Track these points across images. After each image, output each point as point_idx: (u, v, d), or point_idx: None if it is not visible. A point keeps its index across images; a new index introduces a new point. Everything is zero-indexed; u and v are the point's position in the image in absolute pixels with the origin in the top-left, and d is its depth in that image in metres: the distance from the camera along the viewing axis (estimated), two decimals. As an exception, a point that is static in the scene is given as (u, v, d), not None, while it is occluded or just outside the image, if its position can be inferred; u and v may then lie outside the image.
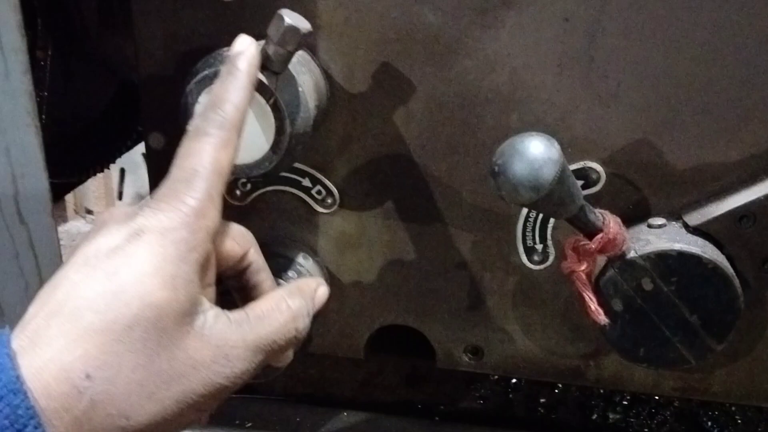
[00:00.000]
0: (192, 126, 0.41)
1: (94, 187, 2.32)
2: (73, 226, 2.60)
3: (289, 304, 0.42)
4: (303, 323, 0.42)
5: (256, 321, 0.40)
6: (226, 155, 0.41)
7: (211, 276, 0.40)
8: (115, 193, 2.40)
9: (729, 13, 0.51)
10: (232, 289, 0.45)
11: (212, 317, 0.37)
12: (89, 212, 2.57)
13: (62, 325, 0.34)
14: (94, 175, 0.80)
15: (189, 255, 0.36)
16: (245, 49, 0.45)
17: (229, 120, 0.41)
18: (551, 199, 0.47)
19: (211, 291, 0.41)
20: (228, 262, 0.43)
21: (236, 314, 0.39)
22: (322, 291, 0.47)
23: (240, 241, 0.44)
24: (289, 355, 0.45)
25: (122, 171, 2.39)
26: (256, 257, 0.45)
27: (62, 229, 2.57)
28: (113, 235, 0.37)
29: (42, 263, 0.49)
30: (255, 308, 0.41)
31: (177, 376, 0.35)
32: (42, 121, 0.68)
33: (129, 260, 0.35)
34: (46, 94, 0.68)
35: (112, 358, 0.34)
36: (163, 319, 0.35)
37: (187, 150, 0.40)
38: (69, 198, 2.51)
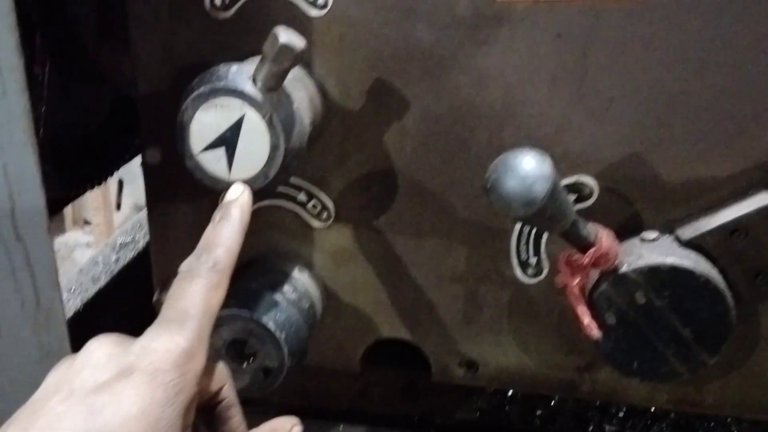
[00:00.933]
0: (185, 267, 0.43)
1: (92, 198, 2.33)
2: (71, 236, 2.61)
3: None
4: None
5: None
6: (217, 297, 0.42)
7: (191, 417, 0.40)
8: (113, 204, 2.40)
9: (719, 29, 0.52)
10: (201, 424, 0.45)
11: None
12: (87, 223, 2.57)
13: None
14: (91, 189, 0.81)
15: (176, 398, 0.36)
16: (239, 196, 0.48)
17: (220, 263, 0.43)
18: (543, 214, 0.48)
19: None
20: (202, 397, 0.43)
21: None
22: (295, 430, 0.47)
23: (217, 377, 0.44)
24: None
25: (120, 182, 2.40)
26: (229, 393, 0.45)
27: (60, 239, 2.58)
28: (101, 370, 0.37)
29: (38, 280, 0.49)
30: None
31: None
32: (40, 136, 0.69)
33: (116, 399, 0.35)
34: (44, 108, 0.68)
35: None
36: None
37: (180, 291, 0.41)
38: (67, 209, 2.51)
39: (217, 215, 0.47)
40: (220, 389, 0.44)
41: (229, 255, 0.44)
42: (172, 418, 0.36)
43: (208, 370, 0.43)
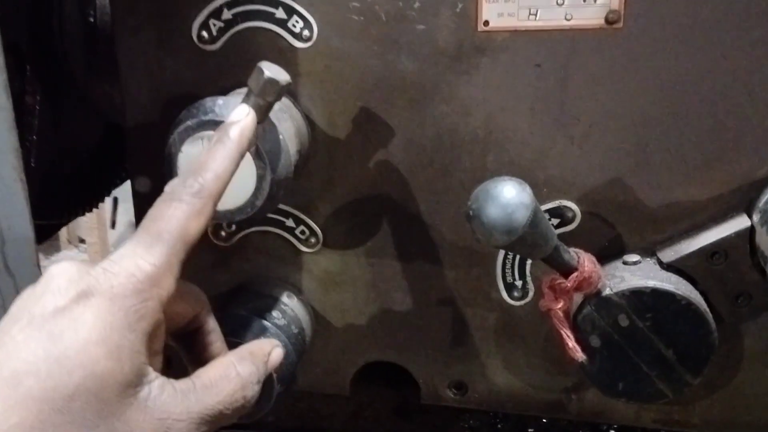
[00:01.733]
0: (168, 188, 0.40)
1: (86, 217, 2.33)
2: (66, 255, 2.61)
3: (238, 371, 0.41)
4: (252, 391, 0.41)
5: (203, 390, 0.38)
6: (197, 224, 0.39)
7: (159, 344, 0.39)
8: (108, 222, 2.41)
9: (696, 55, 0.53)
10: (181, 350, 0.44)
11: (157, 388, 0.36)
12: (82, 241, 2.57)
13: (1, 390, 0.32)
14: (84, 214, 0.81)
15: (137, 324, 0.35)
16: (241, 119, 0.44)
17: (207, 188, 0.40)
18: (525, 241, 0.49)
19: (159, 359, 0.39)
20: (178, 323, 0.42)
21: (182, 383, 0.38)
22: (276, 353, 0.45)
23: (191, 302, 0.43)
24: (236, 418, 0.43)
25: (115, 200, 2.40)
26: (207, 319, 0.44)
27: (55, 258, 2.58)
28: (61, 294, 0.35)
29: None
30: (202, 376, 0.39)
31: None
32: (32, 164, 0.70)
33: (75, 324, 0.34)
34: (35, 137, 0.69)
35: (50, 428, 0.32)
36: (106, 390, 0.34)
37: (157, 213, 0.39)
38: (62, 230, 2.51)
39: (215, 136, 0.44)
40: (197, 315, 0.43)
41: (217, 181, 0.41)
42: (134, 344, 0.35)
43: (182, 296, 0.41)
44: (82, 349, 0.33)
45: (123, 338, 0.34)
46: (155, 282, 0.36)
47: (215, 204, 0.41)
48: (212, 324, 0.44)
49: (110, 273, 0.36)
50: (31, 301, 0.36)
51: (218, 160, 0.42)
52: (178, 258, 0.38)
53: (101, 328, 0.34)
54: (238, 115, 0.45)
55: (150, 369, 0.36)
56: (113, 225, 2.43)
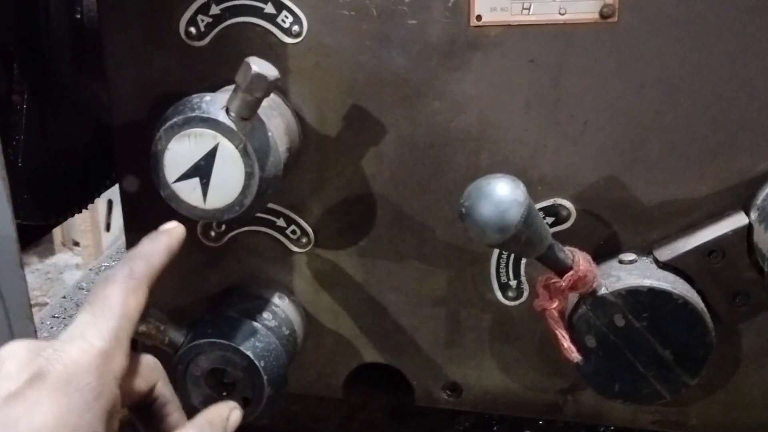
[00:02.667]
0: (103, 276, 0.42)
1: (80, 219, 2.32)
2: (60, 258, 2.59)
3: None
4: None
5: None
6: (135, 301, 0.40)
7: (115, 422, 0.38)
8: (103, 225, 2.39)
9: (692, 51, 0.52)
10: (138, 422, 0.44)
11: None
12: (76, 244, 2.56)
13: None
14: (72, 216, 0.80)
15: (94, 403, 0.35)
16: (172, 228, 0.47)
17: (137, 271, 0.42)
18: (519, 239, 0.48)
19: None
20: (133, 398, 0.42)
21: None
22: (235, 416, 0.45)
23: (147, 376, 0.43)
24: None
25: (110, 202, 2.39)
26: (163, 390, 0.44)
27: (49, 261, 2.57)
28: (12, 379, 0.34)
29: (11, 312, 0.49)
30: None
31: None
32: (19, 164, 0.69)
33: (29, 410, 0.33)
34: (22, 137, 0.68)
35: None
36: None
37: (96, 295, 0.40)
38: (56, 230, 2.50)
39: (146, 237, 0.47)
40: (153, 388, 0.43)
41: (147, 266, 0.43)
42: (92, 425, 0.34)
43: (136, 370, 0.42)
44: None
45: (80, 419, 0.34)
46: (108, 357, 0.37)
47: (149, 285, 0.43)
48: (169, 395, 0.44)
49: (62, 352, 0.35)
50: None
51: (147, 251, 0.44)
52: (126, 333, 0.39)
53: (57, 411, 0.33)
54: (169, 225, 0.48)
55: None
56: (108, 227, 2.42)
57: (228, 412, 0.45)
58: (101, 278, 0.42)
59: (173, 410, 0.44)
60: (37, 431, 0.33)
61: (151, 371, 0.43)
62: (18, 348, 0.36)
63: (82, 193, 0.80)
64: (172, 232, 0.47)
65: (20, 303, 0.48)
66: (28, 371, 0.35)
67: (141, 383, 0.42)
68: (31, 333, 0.50)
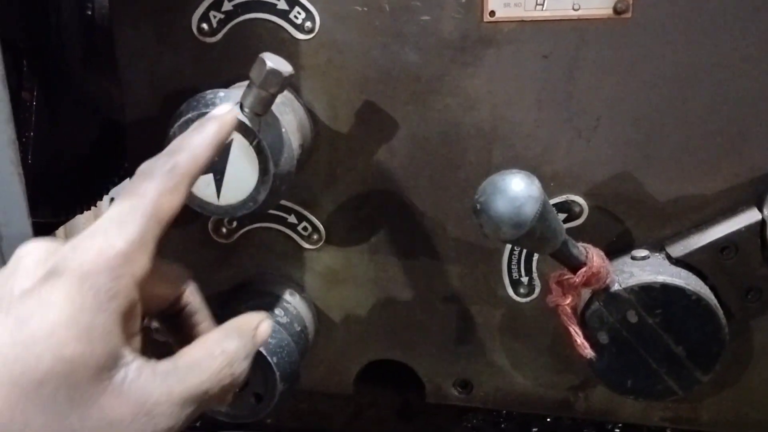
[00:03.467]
0: (142, 168, 0.39)
1: (84, 218, 2.32)
2: (64, 257, 2.59)
3: (223, 348, 0.38)
4: (240, 367, 0.39)
5: (186, 371, 0.36)
6: (170, 202, 0.37)
7: (136, 325, 0.37)
8: (106, 224, 2.39)
9: (705, 47, 0.52)
10: (167, 332, 0.42)
11: (134, 370, 0.34)
12: (80, 243, 2.56)
13: None
14: (81, 213, 0.80)
15: (109, 304, 0.33)
16: (223, 114, 0.43)
17: (180, 167, 0.38)
18: (533, 235, 0.48)
19: (137, 340, 0.37)
20: (160, 306, 0.41)
21: (163, 364, 0.36)
22: (264, 327, 0.42)
23: (173, 282, 0.41)
24: (228, 398, 0.41)
25: (112, 201, 2.39)
26: (191, 299, 0.42)
27: (52, 260, 2.56)
28: (28, 276, 0.33)
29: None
30: (184, 356, 0.37)
31: None
32: (29, 161, 0.69)
33: (42, 306, 0.32)
34: (32, 134, 0.68)
35: (19, 416, 0.31)
36: (77, 375, 0.32)
37: (130, 190, 0.37)
38: (59, 231, 2.50)
39: (195, 124, 0.42)
40: (180, 296, 0.41)
41: (192, 161, 0.39)
42: (106, 325, 0.33)
43: (162, 276, 0.40)
44: (50, 332, 0.32)
45: (94, 319, 0.32)
46: (128, 260, 0.34)
47: (190, 184, 0.39)
48: (197, 303, 0.42)
49: (80, 250, 0.34)
50: (0, 285, 0.34)
51: (193, 143, 0.40)
52: (153, 235, 0.36)
53: (70, 309, 0.32)
54: (220, 110, 0.44)
55: (126, 351, 0.34)
56: (111, 226, 2.42)
57: (257, 321, 0.42)
58: (139, 170, 0.38)
59: (202, 319, 0.42)
60: (48, 328, 0.32)
61: (178, 278, 0.41)
62: (37, 245, 0.35)
63: (91, 190, 0.80)
64: (222, 120, 0.42)
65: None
66: (43, 268, 0.33)
67: (167, 290, 0.41)
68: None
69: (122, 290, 0.34)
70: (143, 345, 0.39)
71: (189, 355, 0.37)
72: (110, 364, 0.33)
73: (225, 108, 0.45)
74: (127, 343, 0.35)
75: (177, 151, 0.39)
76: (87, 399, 0.32)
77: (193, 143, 0.40)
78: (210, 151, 0.41)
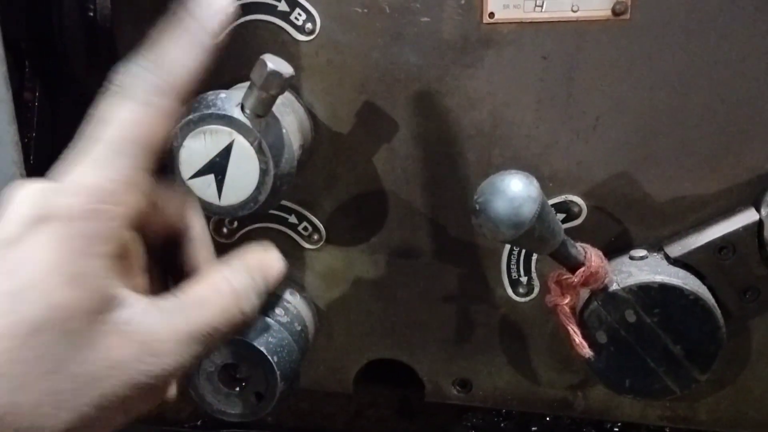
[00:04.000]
0: (125, 83, 0.35)
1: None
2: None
3: (231, 283, 0.36)
4: (250, 304, 0.37)
5: (191, 307, 0.35)
6: (162, 129, 0.34)
7: (137, 263, 0.36)
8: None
9: (704, 47, 0.53)
10: (168, 265, 0.40)
11: (135, 310, 0.33)
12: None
13: None
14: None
15: (98, 248, 0.32)
16: (221, 5, 0.36)
17: (171, 84, 0.35)
18: (532, 235, 0.48)
19: (139, 279, 0.36)
20: (163, 234, 0.38)
21: (167, 302, 0.34)
22: (276, 266, 0.40)
23: (175, 210, 0.39)
24: (237, 334, 0.39)
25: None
26: (192, 223, 0.39)
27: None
28: (16, 222, 0.32)
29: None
30: (190, 292, 0.36)
31: (93, 379, 0.32)
32: (31, 162, 0.69)
33: (30, 255, 0.31)
34: (34, 134, 0.68)
35: (17, 366, 0.30)
36: (72, 321, 0.31)
37: (111, 116, 0.34)
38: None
39: (180, 24, 0.36)
40: (185, 227, 0.39)
41: (183, 74, 0.35)
42: (97, 270, 0.32)
43: (164, 204, 0.38)
44: (40, 280, 0.31)
45: (84, 265, 0.32)
46: (117, 200, 0.33)
47: (183, 103, 0.35)
48: (198, 229, 0.40)
49: (68, 192, 0.32)
50: None
51: (184, 47, 0.35)
52: (144, 168, 0.34)
53: (59, 255, 0.31)
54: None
55: (124, 291, 0.33)
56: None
57: (268, 258, 0.39)
58: (122, 88, 0.35)
59: (201, 247, 0.40)
60: (38, 275, 0.31)
61: (180, 204, 0.39)
62: (31, 190, 0.34)
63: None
64: (217, 7, 0.36)
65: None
66: (31, 213, 0.32)
67: (169, 218, 0.38)
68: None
69: (112, 233, 0.32)
70: (151, 280, 0.37)
71: (194, 291, 0.36)
72: (105, 307, 0.32)
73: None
74: (124, 283, 0.34)
75: (163, 60, 0.35)
76: (86, 343, 0.31)
77: (181, 48, 0.35)
78: (204, 54, 0.36)
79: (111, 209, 0.32)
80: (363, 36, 0.56)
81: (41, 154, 0.68)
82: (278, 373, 0.56)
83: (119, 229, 0.33)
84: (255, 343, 0.56)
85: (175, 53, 0.35)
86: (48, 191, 0.33)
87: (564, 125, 0.56)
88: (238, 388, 0.57)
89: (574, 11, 0.53)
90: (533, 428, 0.81)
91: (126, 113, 0.34)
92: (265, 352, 0.56)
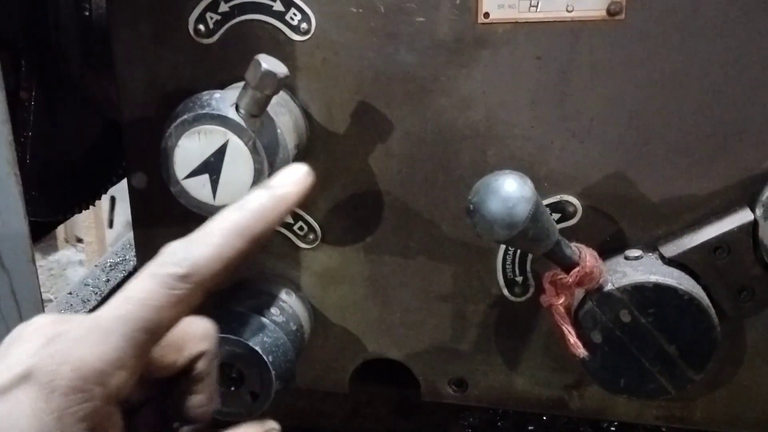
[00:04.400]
0: (152, 260, 0.33)
1: (84, 216, 2.32)
2: (64, 255, 2.60)
3: None
4: None
5: None
6: (173, 315, 0.32)
7: (114, 424, 0.33)
8: (106, 222, 2.40)
9: (698, 48, 0.53)
10: (168, 400, 0.38)
11: None
12: (80, 241, 2.57)
13: None
14: (80, 212, 0.81)
15: (73, 427, 0.31)
16: (290, 180, 0.36)
17: (197, 273, 0.32)
18: (526, 235, 0.48)
19: None
20: (166, 373, 0.36)
21: None
22: None
23: (189, 348, 0.36)
24: None
25: (113, 199, 2.40)
26: (202, 365, 0.36)
27: (53, 258, 2.57)
28: (10, 369, 0.31)
29: (23, 308, 0.49)
30: None
31: None
32: (27, 161, 0.69)
33: (10, 413, 0.30)
34: (30, 134, 0.68)
35: None
36: None
37: (130, 291, 0.32)
38: (59, 227, 2.51)
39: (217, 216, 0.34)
40: (193, 359, 0.36)
41: (213, 263, 0.32)
42: None
43: (176, 341, 0.35)
44: None
45: (63, 429, 0.30)
46: (102, 379, 0.31)
47: (205, 293, 0.32)
48: (206, 369, 0.37)
49: (58, 358, 0.31)
50: None
51: (221, 233, 0.33)
52: (141, 350, 0.32)
53: (34, 424, 0.30)
54: (285, 178, 0.36)
55: None
56: (111, 224, 2.43)
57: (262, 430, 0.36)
58: (147, 264, 0.33)
59: (203, 389, 0.37)
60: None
61: (198, 342, 0.36)
62: (33, 333, 0.32)
63: (89, 189, 0.81)
64: (248, 210, 0.34)
65: (32, 298, 0.49)
66: (20, 365, 0.31)
67: (176, 358, 0.36)
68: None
69: (90, 413, 0.31)
70: (145, 421, 0.36)
71: None
72: None
73: (298, 170, 0.38)
74: None
75: (194, 244, 0.33)
76: None
77: (217, 235, 0.33)
78: (245, 245, 0.33)
79: (95, 388, 0.31)
80: (358, 36, 0.56)
81: (38, 153, 0.69)
82: (273, 372, 0.56)
83: (99, 408, 0.31)
84: (250, 343, 0.56)
85: (210, 237, 0.33)
86: (42, 347, 0.32)
87: (559, 125, 0.56)
88: (233, 387, 0.57)
89: (569, 11, 0.53)
90: (530, 428, 0.81)
91: (141, 292, 0.32)
92: (260, 351, 0.56)
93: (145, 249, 0.66)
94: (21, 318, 0.49)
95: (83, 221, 2.34)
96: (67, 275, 2.40)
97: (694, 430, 0.64)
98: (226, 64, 0.58)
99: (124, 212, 2.34)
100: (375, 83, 0.57)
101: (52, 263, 2.50)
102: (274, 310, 0.61)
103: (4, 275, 0.48)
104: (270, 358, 0.56)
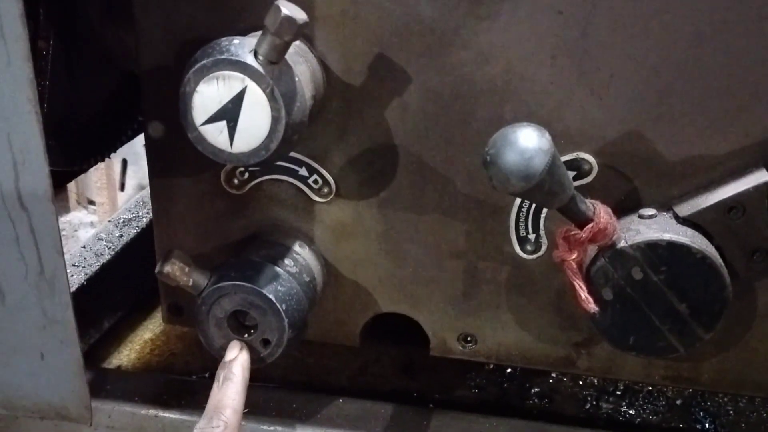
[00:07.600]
0: (197, 429, 0.45)
1: (96, 178, 2.34)
2: (75, 216, 2.62)
3: None
4: None
5: None
6: None
7: None
8: (117, 184, 2.41)
9: (721, 5, 0.52)
10: None
11: None
12: (91, 203, 2.58)
13: None
14: (95, 164, 0.81)
15: None
16: (237, 355, 0.51)
17: (231, 424, 0.45)
18: (542, 188, 0.48)
19: None
20: None
21: None
22: None
23: None
24: None
25: (124, 162, 2.41)
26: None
27: (64, 219, 2.59)
28: None
29: (42, 248, 0.50)
30: None
31: None
32: (44, 110, 0.69)
33: None
34: (47, 83, 0.68)
35: None
36: None
37: None
38: (71, 188, 2.52)
39: (220, 375, 0.50)
40: None
41: (236, 416, 0.46)
42: None
43: None
44: None
45: None
46: None
47: None
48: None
49: None
50: None
51: (231, 396, 0.47)
52: None
53: None
54: (233, 353, 0.52)
55: None
56: (122, 187, 2.44)
57: None
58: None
59: None
60: None
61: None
62: None
63: (104, 141, 0.81)
64: (242, 362, 0.50)
65: (51, 237, 0.49)
66: None
67: None
68: (61, 267, 0.51)
69: None
70: None
71: None
72: None
73: (235, 348, 0.53)
74: None
75: (221, 408, 0.46)
76: None
77: (230, 397, 0.47)
78: (244, 396, 0.48)
79: None
80: (378, -14, 0.55)
81: (55, 102, 0.69)
82: (286, 320, 0.57)
83: None
84: (264, 291, 0.57)
85: (228, 401, 0.49)
86: None
87: (578, 82, 0.56)
88: (246, 335, 0.58)
89: (592, -36, 0.52)
90: (535, 389, 0.81)
91: None
92: (274, 299, 0.57)
93: (162, 198, 0.66)
94: (40, 257, 0.50)
95: (95, 182, 2.35)
96: (78, 236, 2.42)
97: (702, 391, 0.64)
98: (243, 11, 0.58)
99: (135, 175, 2.35)
100: (394, 35, 0.57)
101: (64, 224, 2.51)
102: (287, 261, 0.61)
103: (23, 215, 0.49)
104: (283, 306, 0.57)
